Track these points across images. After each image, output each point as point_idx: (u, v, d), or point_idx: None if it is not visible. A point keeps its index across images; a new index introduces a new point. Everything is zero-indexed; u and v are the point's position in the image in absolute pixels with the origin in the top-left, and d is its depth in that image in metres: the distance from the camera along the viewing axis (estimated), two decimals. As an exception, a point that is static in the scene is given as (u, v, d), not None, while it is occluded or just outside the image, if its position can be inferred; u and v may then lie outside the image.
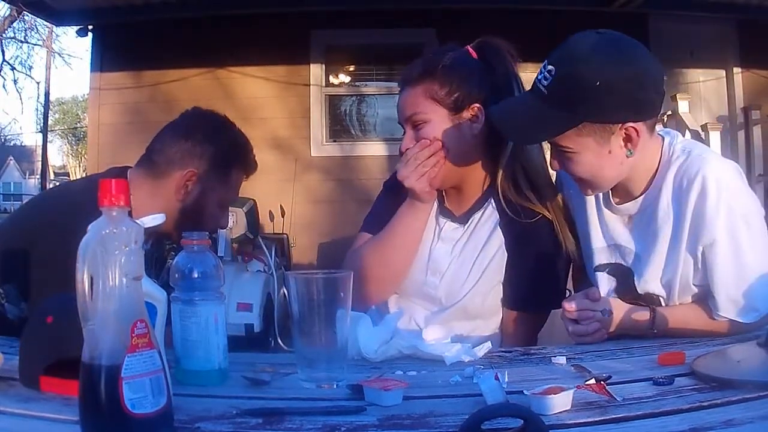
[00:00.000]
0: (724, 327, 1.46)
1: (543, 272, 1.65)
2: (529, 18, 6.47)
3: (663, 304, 1.52)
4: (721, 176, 1.44)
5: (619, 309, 1.48)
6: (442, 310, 1.66)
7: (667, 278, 1.51)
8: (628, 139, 1.43)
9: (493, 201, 1.68)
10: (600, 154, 1.43)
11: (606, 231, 1.60)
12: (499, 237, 1.65)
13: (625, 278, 1.57)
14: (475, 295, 1.64)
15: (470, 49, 1.67)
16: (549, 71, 1.39)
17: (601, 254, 1.61)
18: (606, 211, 1.60)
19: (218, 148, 1.75)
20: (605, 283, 1.60)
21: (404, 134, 1.66)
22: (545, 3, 6.51)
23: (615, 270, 1.59)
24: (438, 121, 1.61)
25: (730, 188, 1.44)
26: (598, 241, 1.61)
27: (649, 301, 1.52)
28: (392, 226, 1.69)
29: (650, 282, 1.52)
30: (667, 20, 6.99)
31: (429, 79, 1.61)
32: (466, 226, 1.69)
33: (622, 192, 1.56)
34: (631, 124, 1.41)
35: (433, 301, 1.68)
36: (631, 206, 1.55)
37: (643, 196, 1.53)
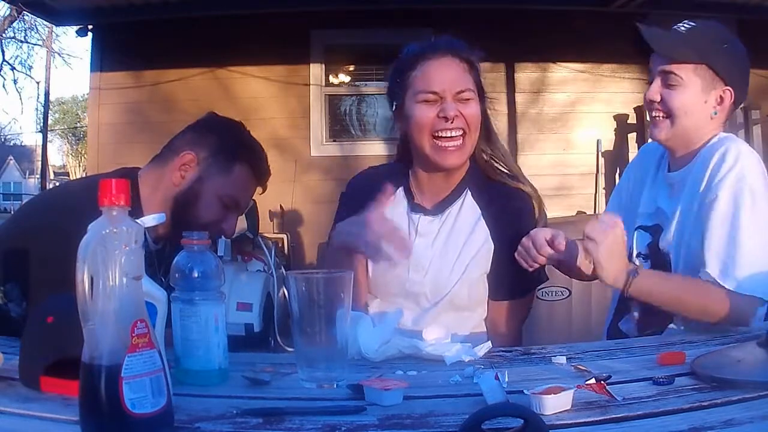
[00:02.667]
0: (717, 300, 1.49)
1: None
2: (529, 18, 6.47)
3: (671, 266, 1.63)
4: (743, 152, 1.58)
5: (603, 235, 1.45)
6: (431, 305, 1.66)
7: (677, 239, 1.62)
8: (720, 101, 1.67)
9: (469, 192, 1.71)
10: (698, 98, 1.65)
11: (653, 196, 1.75)
12: (483, 229, 1.67)
13: (657, 234, 1.69)
14: (461, 287, 1.65)
15: None
16: (690, 24, 1.68)
17: (643, 217, 1.76)
18: (659, 177, 1.76)
19: (221, 139, 1.74)
20: (643, 239, 1.73)
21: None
22: (545, 3, 6.50)
23: (649, 228, 1.73)
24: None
25: (748, 164, 1.56)
26: (645, 205, 1.76)
27: (661, 261, 1.63)
28: None
29: (663, 240, 1.64)
30: (667, 20, 6.99)
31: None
32: (441, 218, 1.71)
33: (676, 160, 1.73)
34: (729, 88, 1.66)
35: (418, 299, 1.67)
36: (677, 175, 1.70)
37: (687, 166, 1.68)
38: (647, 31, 1.73)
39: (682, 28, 1.69)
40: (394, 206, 1.71)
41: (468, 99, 1.65)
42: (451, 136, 1.63)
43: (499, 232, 1.67)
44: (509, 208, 1.69)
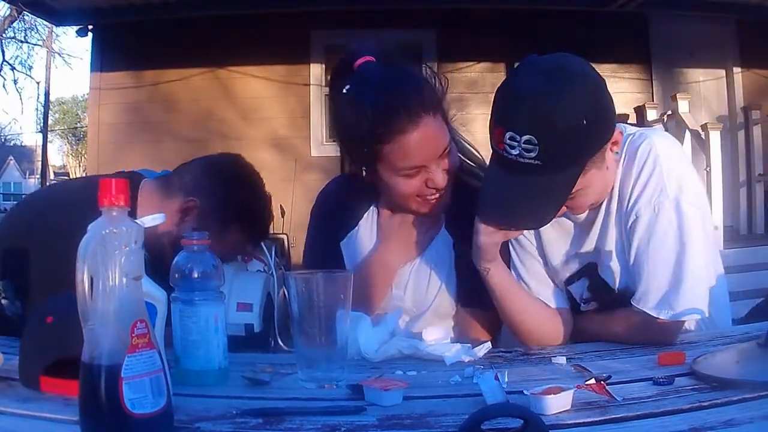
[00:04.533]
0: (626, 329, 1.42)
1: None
2: (529, 18, 6.47)
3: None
4: (660, 156, 1.39)
5: None
6: (416, 318, 1.62)
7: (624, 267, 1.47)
8: (614, 143, 1.38)
9: None
10: (603, 175, 1.39)
11: (561, 247, 1.54)
12: (447, 237, 1.61)
13: (592, 273, 1.52)
14: (442, 299, 1.61)
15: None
16: (527, 141, 1.26)
17: (564, 271, 1.55)
18: (563, 226, 1.53)
19: (227, 196, 1.67)
20: (579, 288, 1.55)
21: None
22: (546, 3, 6.51)
23: (584, 271, 1.54)
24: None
25: (667, 167, 1.39)
26: (557, 258, 1.55)
27: (623, 293, 1.46)
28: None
29: (605, 273, 1.48)
30: (667, 20, 7.00)
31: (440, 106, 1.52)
32: None
33: None
34: (616, 130, 1.37)
35: (404, 312, 1.61)
36: (591, 214, 1.48)
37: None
38: (494, 212, 1.38)
39: (527, 155, 1.26)
40: (366, 223, 1.67)
41: (449, 150, 1.50)
42: (438, 195, 1.51)
43: (459, 238, 1.57)
44: (468, 212, 1.49)
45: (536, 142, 1.25)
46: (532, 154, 1.26)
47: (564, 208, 1.40)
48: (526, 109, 1.27)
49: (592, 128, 1.29)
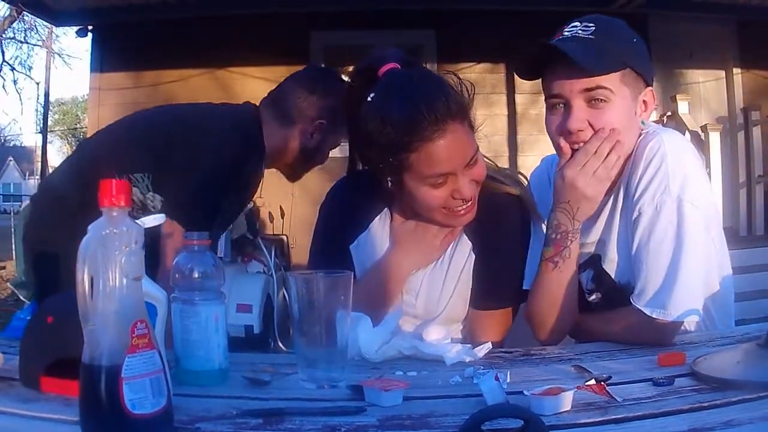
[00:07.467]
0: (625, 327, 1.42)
1: (512, 261, 1.57)
2: (529, 19, 6.46)
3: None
4: (668, 151, 1.41)
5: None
6: (425, 323, 1.59)
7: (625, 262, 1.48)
8: (645, 105, 1.46)
9: None
10: (629, 110, 1.44)
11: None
12: (466, 243, 1.59)
13: (597, 264, 1.53)
14: (455, 305, 1.59)
15: None
16: (586, 26, 1.44)
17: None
18: None
19: (340, 116, 1.95)
20: (585, 278, 1.56)
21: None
22: (545, 4, 6.50)
23: (589, 261, 1.55)
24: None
25: (674, 166, 1.40)
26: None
27: (625, 287, 1.48)
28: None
29: (608, 266, 1.50)
30: (667, 20, 6.99)
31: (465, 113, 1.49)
32: None
33: None
34: (650, 89, 1.46)
35: (415, 317, 1.61)
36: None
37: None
38: (563, 43, 1.42)
39: (583, 33, 1.41)
40: (378, 226, 1.64)
41: (476, 159, 1.47)
42: (465, 207, 1.49)
43: (479, 242, 1.58)
44: (488, 216, 1.54)
45: (595, 27, 1.43)
46: (589, 30, 1.43)
47: (583, 117, 1.41)
48: (594, 16, 1.47)
49: (639, 51, 1.46)
